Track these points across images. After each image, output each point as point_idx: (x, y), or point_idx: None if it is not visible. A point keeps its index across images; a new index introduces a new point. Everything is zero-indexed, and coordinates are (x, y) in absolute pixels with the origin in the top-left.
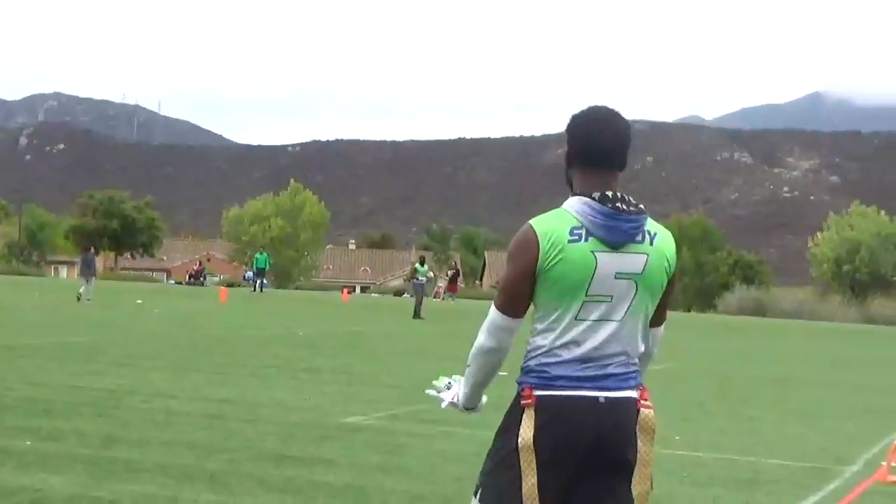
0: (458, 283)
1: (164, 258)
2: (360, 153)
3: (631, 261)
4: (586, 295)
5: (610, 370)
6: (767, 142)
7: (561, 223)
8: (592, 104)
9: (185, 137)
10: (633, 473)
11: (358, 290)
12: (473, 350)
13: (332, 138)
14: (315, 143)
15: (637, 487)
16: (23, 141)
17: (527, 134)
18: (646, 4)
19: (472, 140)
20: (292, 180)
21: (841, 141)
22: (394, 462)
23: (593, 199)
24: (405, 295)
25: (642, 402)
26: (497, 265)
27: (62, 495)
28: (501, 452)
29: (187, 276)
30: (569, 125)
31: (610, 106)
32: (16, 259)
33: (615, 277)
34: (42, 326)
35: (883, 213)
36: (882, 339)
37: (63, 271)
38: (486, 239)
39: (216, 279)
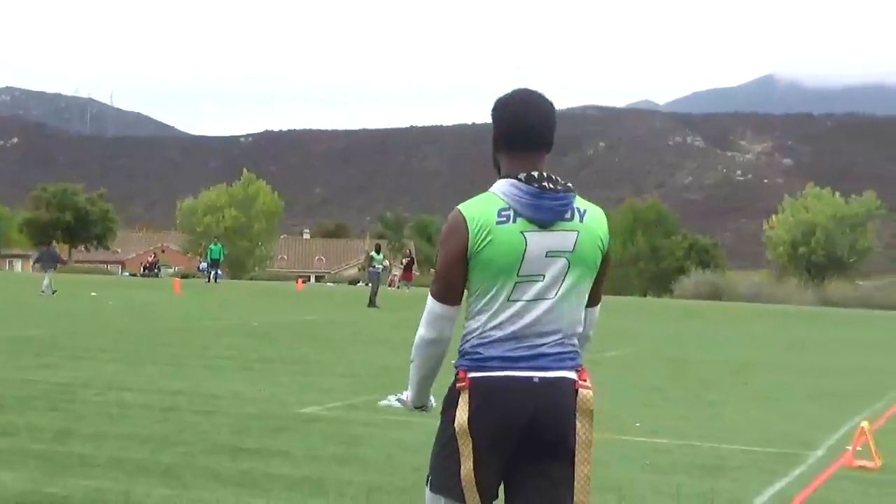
0: (413, 271)
1: (119, 250)
2: (313, 142)
3: (561, 239)
4: (518, 275)
5: (544, 350)
6: (720, 125)
7: (489, 206)
8: (517, 87)
9: (139, 129)
10: (572, 455)
11: (313, 279)
12: (415, 343)
13: (284, 128)
14: (268, 133)
15: (581, 469)
16: None
17: (479, 121)
18: None
19: (424, 128)
20: (245, 170)
21: (793, 123)
22: (351, 453)
23: (520, 180)
24: (360, 284)
25: (580, 382)
26: None
27: (13, 491)
28: (442, 438)
29: (142, 268)
30: (494, 109)
31: (533, 88)
32: None
33: (546, 256)
34: None
35: (838, 194)
36: (839, 320)
37: (17, 265)
38: (439, 226)
39: (171, 271)
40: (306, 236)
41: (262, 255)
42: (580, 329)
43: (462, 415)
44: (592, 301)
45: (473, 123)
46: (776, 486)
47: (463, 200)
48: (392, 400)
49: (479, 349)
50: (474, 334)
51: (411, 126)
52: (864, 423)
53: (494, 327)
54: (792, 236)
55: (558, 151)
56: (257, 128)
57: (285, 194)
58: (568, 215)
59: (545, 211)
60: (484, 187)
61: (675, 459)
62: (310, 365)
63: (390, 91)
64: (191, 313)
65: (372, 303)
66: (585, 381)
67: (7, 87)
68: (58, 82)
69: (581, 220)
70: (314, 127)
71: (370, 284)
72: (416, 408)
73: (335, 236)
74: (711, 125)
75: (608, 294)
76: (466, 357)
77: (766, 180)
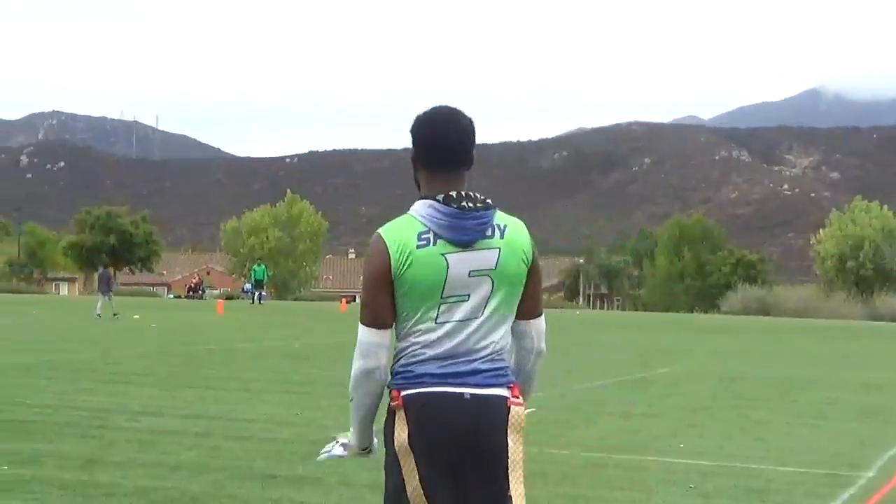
0: None
1: (164, 272)
2: (357, 162)
3: (483, 257)
4: (442, 297)
5: (476, 366)
6: (766, 140)
7: (408, 229)
8: (436, 105)
9: (184, 151)
10: (506, 472)
11: (358, 299)
12: (353, 377)
13: (329, 148)
14: (312, 153)
15: (516, 489)
16: (23, 160)
17: (524, 139)
18: (640, 5)
19: None
20: (288, 191)
21: (840, 137)
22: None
23: (438, 201)
24: None
25: (512, 399)
26: None
27: None
28: (386, 460)
29: (186, 290)
30: (412, 128)
31: (451, 105)
32: (16, 277)
33: (469, 276)
34: (36, 344)
35: (885, 207)
36: (889, 335)
37: (63, 288)
38: None
39: (216, 292)
40: (351, 256)
41: (307, 276)
42: (509, 344)
43: (401, 433)
44: (532, 313)
45: (518, 141)
46: None
47: (512, 219)
48: (331, 449)
49: (411, 367)
50: (405, 353)
51: None
52: None
53: (425, 346)
54: (840, 250)
55: (604, 168)
56: (302, 148)
57: (330, 214)
58: (489, 233)
59: (465, 231)
60: (528, 205)
61: (720, 483)
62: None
63: None
64: (232, 335)
65: None
66: (517, 397)
67: (53, 112)
68: (103, 106)
69: (502, 237)
70: (359, 147)
71: None
72: (362, 450)
73: None
74: (757, 139)
75: (656, 310)
76: (399, 376)
77: (813, 194)
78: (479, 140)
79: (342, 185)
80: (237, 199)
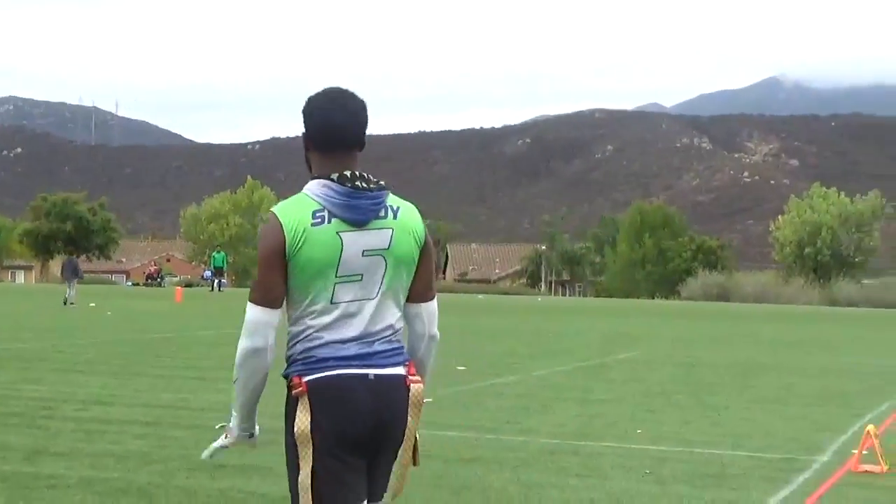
0: None
1: (123, 260)
2: None
3: (376, 237)
4: (337, 276)
5: (376, 347)
6: (726, 127)
7: (303, 208)
8: (327, 86)
9: (144, 137)
10: (398, 447)
11: None
12: (239, 357)
13: (292, 135)
14: (275, 140)
15: (401, 460)
16: None
17: (487, 126)
18: None
19: (434, 133)
20: (249, 177)
21: (799, 125)
22: None
23: (332, 180)
24: None
25: (411, 377)
26: (461, 257)
27: None
28: (288, 452)
29: (145, 278)
30: (304, 109)
31: (343, 86)
32: None
33: (363, 255)
34: None
35: (843, 194)
36: (845, 320)
37: (20, 276)
38: (448, 232)
39: (175, 279)
40: None
41: None
42: (402, 324)
43: (303, 420)
44: (424, 296)
45: (482, 128)
46: (780, 494)
47: (472, 205)
48: (214, 446)
49: (311, 352)
50: (301, 337)
51: (420, 131)
52: (870, 427)
53: (322, 329)
54: (798, 236)
55: (567, 155)
56: (264, 135)
57: None
58: (382, 213)
59: (359, 211)
60: (492, 192)
61: (677, 468)
62: None
63: (398, 96)
64: (190, 323)
65: None
66: (414, 374)
67: (10, 97)
68: (62, 91)
69: (395, 217)
70: None
71: None
72: (243, 435)
73: None
74: (718, 127)
75: (617, 296)
76: (298, 362)
77: (772, 181)
78: (443, 126)
79: (305, 173)
80: (198, 186)
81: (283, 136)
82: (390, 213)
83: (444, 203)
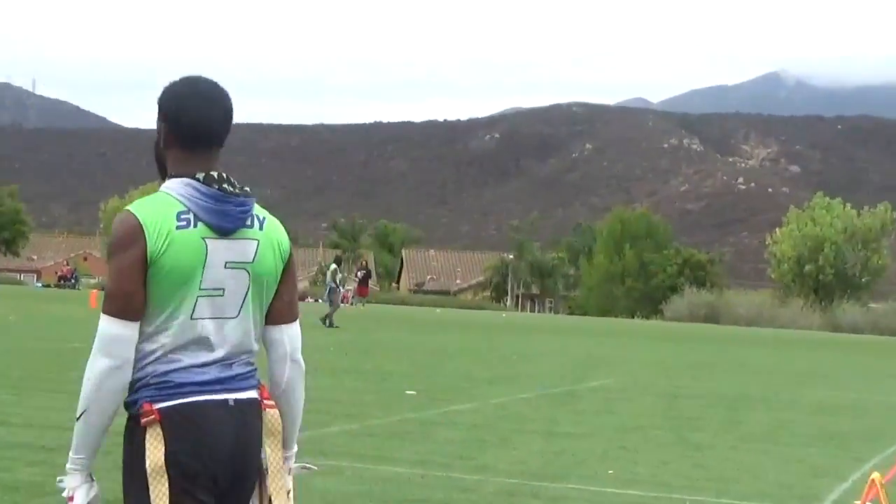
0: (370, 286)
1: (34, 257)
2: (262, 139)
3: (242, 248)
4: (200, 288)
5: (235, 370)
6: (720, 127)
7: (166, 208)
8: (187, 75)
9: (64, 120)
10: (260, 485)
11: None
12: (92, 378)
13: (241, 121)
14: None
15: (277, 502)
16: None
17: (451, 118)
18: None
19: (390, 124)
20: None
21: (801, 126)
22: None
23: (198, 180)
24: (309, 300)
25: (265, 402)
26: (417, 265)
27: None
28: (130, 486)
29: (57, 278)
30: (164, 99)
31: (206, 76)
32: None
33: (226, 268)
34: None
35: (849, 206)
36: (849, 348)
37: None
38: (404, 236)
39: (92, 282)
40: None
41: None
42: (257, 347)
43: (155, 453)
44: (286, 318)
45: (445, 121)
46: None
47: (432, 206)
48: (63, 482)
49: (167, 376)
50: (153, 357)
51: (375, 122)
52: (876, 475)
53: (178, 349)
54: (798, 252)
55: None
56: None
57: None
58: (249, 223)
59: (227, 217)
60: (456, 192)
61: None
62: None
63: (350, 81)
64: None
65: (331, 322)
66: (268, 399)
67: None
68: None
69: (261, 229)
70: (264, 121)
71: (330, 301)
72: (86, 483)
73: None
74: (710, 127)
75: (593, 314)
76: (150, 387)
77: (770, 189)
78: (402, 117)
79: (245, 164)
80: (123, 176)
81: None
82: (256, 223)
83: (400, 204)
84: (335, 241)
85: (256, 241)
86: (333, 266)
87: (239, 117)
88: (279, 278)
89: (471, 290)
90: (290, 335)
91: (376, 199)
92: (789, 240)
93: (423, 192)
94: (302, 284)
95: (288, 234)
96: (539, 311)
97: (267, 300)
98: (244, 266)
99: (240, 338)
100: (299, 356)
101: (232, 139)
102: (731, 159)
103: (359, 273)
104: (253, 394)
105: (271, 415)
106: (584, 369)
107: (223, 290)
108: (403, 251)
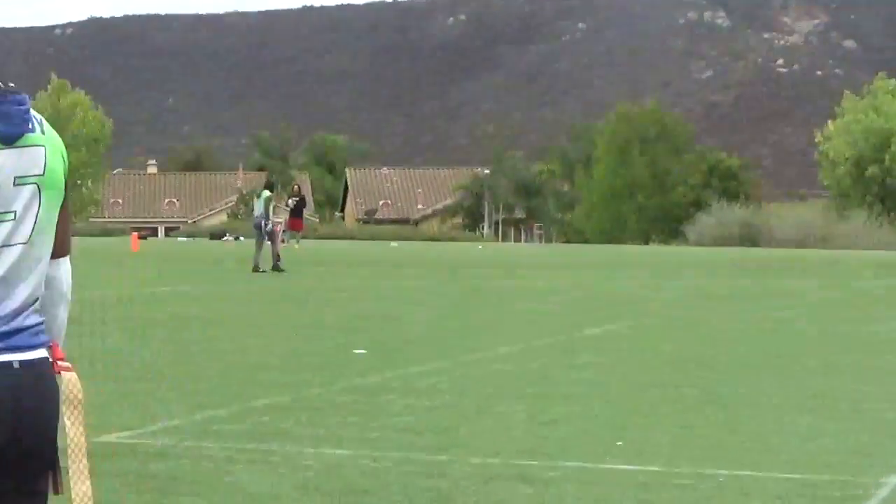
0: (305, 217)
1: None
2: (160, 34)
3: (30, 158)
4: None
5: (21, 321)
6: None
7: None
8: None
9: None
10: (54, 464)
11: (161, 232)
12: None
13: (118, 14)
14: (94, 21)
15: (78, 487)
16: None
17: None
18: None
19: (324, 8)
20: (54, 75)
21: None
22: None
23: None
24: (228, 237)
25: (59, 362)
26: (367, 188)
27: None
28: None
29: None
30: None
31: None
32: None
33: (15, 184)
34: None
35: None
36: None
37: None
38: (347, 151)
39: None
40: (152, 170)
41: (85, 200)
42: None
43: None
44: (64, 248)
45: (396, 1)
46: None
47: (382, 112)
48: None
49: None
50: None
51: (304, 6)
52: None
53: None
54: (858, 151)
55: (520, 39)
56: (80, 15)
57: (119, 110)
58: (31, 126)
59: (10, 121)
60: (412, 92)
61: (674, 497)
62: (129, 366)
63: None
64: None
65: (268, 266)
66: (63, 359)
67: None
68: None
69: (43, 132)
70: (162, 11)
71: (258, 240)
72: None
73: (194, 169)
74: None
75: (595, 242)
76: None
77: (819, 72)
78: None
79: (138, 68)
80: None
81: (106, 15)
82: (38, 127)
83: (341, 110)
84: (259, 162)
85: (43, 148)
86: (267, 193)
87: (130, 7)
88: (63, 194)
89: (437, 218)
90: (66, 271)
91: (310, 107)
92: (846, 135)
93: (370, 95)
94: (218, 218)
95: (200, 154)
96: (526, 241)
97: (54, 223)
98: (35, 180)
99: (29, 274)
100: (68, 291)
101: (118, 34)
102: (767, 35)
103: (290, 201)
104: (43, 353)
105: (69, 379)
106: (585, 313)
107: (14, 211)
108: (348, 171)
